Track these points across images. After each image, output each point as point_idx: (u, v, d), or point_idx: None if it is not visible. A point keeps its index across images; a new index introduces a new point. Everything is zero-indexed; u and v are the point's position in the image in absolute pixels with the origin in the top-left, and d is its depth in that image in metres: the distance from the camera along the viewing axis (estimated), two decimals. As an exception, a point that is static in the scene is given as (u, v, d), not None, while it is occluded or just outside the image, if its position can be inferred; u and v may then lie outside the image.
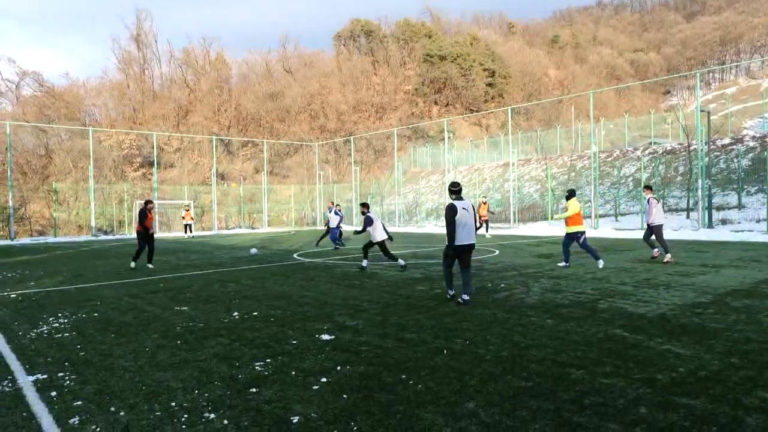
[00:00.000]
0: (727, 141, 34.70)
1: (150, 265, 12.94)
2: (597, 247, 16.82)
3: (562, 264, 11.46)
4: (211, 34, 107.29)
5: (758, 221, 22.50)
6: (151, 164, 40.46)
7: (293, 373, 4.47)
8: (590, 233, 23.72)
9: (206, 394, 4.00)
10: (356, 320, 6.47)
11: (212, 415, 3.59)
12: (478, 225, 16.63)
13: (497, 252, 15.56)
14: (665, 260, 11.86)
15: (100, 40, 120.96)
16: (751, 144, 32.51)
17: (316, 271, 11.66)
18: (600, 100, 76.56)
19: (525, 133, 52.11)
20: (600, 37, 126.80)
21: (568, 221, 11.31)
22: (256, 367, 4.64)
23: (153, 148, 38.58)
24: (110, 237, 30.95)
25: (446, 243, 7.48)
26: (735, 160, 30.61)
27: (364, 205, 12.49)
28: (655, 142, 40.44)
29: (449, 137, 46.73)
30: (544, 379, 4.15)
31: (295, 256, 15.76)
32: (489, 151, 50.50)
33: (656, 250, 12.52)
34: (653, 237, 12.48)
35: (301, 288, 9.22)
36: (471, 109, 70.44)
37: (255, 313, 7.03)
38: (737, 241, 17.73)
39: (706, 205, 21.93)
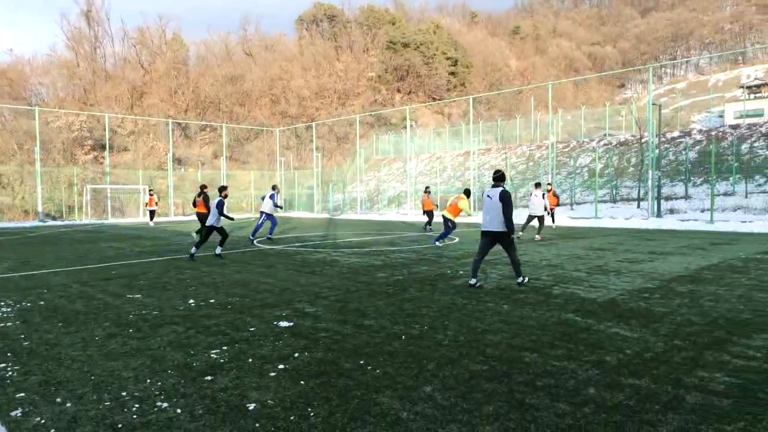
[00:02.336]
0: (676, 134, 36.10)
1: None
2: (555, 234, 17.28)
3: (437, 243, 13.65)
4: (168, 13, 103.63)
5: (703, 211, 23.56)
6: (103, 147, 38.98)
7: (250, 360, 4.42)
8: (547, 221, 24.30)
9: (159, 383, 3.90)
10: (316, 307, 6.45)
11: (165, 404, 3.51)
12: (541, 213, 15.18)
13: (457, 240, 15.76)
14: (538, 238, 14.88)
15: (48, 14, 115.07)
16: (698, 137, 33.93)
17: (276, 258, 11.53)
18: (559, 92, 78.19)
19: (486, 123, 52.77)
20: (560, 30, 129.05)
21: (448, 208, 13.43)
22: (212, 355, 4.56)
23: (105, 130, 37.14)
24: (59, 222, 29.72)
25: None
26: (683, 152, 31.90)
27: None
28: (609, 134, 41.70)
29: (412, 125, 46.87)
30: (500, 363, 4.25)
31: (255, 243, 15.54)
32: (451, 140, 50.90)
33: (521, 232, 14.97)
34: (532, 223, 15.51)
35: (261, 275, 9.11)
36: (433, 98, 70.74)
37: (212, 301, 6.91)
38: (684, 230, 18.52)
39: (656, 195, 22.78)
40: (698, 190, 28.40)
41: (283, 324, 5.60)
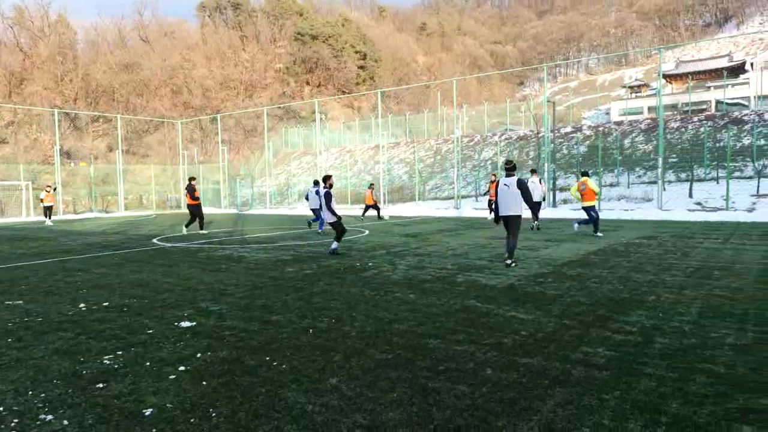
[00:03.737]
0: (569, 129, 38.79)
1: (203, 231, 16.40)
2: (461, 225, 17.96)
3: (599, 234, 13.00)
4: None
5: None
6: (-23, 139, 34.94)
7: (148, 363, 4.20)
8: (453, 213, 25.24)
9: (43, 395, 3.60)
10: (220, 305, 6.24)
11: (49, 417, 3.25)
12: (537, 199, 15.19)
13: (367, 232, 15.92)
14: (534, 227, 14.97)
15: None
16: (588, 132, 36.72)
17: (179, 256, 11.01)
18: (464, 88, 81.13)
19: (395, 117, 53.62)
20: (464, 28, 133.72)
21: (583, 197, 13.06)
22: (105, 361, 4.28)
23: (-22, 120, 33.32)
24: (-77, 224, 26.31)
25: None
26: (575, 146, 34.37)
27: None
28: (510, 129, 43.99)
29: (321, 118, 46.54)
30: (405, 350, 4.36)
31: (155, 241, 14.73)
32: (361, 133, 51.20)
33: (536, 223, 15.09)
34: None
35: (161, 274, 8.65)
36: (343, 91, 70.71)
37: (106, 304, 6.47)
38: (575, 218, 19.99)
39: (551, 186, 24.38)
40: (591, 180, 30.75)
41: (185, 324, 5.37)
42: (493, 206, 9.20)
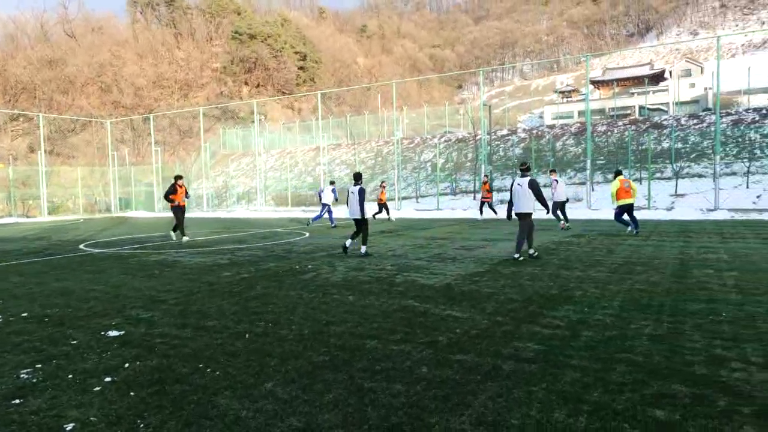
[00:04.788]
0: (505, 132, 40.04)
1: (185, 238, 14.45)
2: (401, 226, 18.16)
3: (629, 229, 12.95)
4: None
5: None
6: None
7: (70, 376, 3.98)
8: (393, 214, 25.47)
9: (-50, 414, 3.34)
10: (152, 312, 6.01)
11: (-43, 437, 3.02)
12: (562, 198, 15.26)
13: (307, 234, 15.79)
14: (565, 227, 14.81)
15: None
16: (523, 135, 38.05)
17: (108, 262, 10.50)
18: (404, 90, 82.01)
19: (336, 118, 53.50)
20: (404, 31, 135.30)
21: (617, 196, 12.80)
22: (22, 375, 4.02)
23: None
24: None
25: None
26: (511, 148, 35.55)
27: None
28: (449, 131, 44.89)
29: (260, 119, 45.73)
30: (342, 352, 4.37)
31: (82, 246, 13.97)
32: (302, 135, 50.70)
33: (562, 222, 14.96)
34: (558, 211, 15.10)
35: (88, 281, 8.22)
36: (283, 92, 69.79)
37: (25, 314, 6.07)
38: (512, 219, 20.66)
39: (490, 187, 25.07)
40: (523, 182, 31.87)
41: (112, 333, 5.14)
42: (507, 204, 9.81)
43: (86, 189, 39.24)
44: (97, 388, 3.71)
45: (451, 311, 5.67)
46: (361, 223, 10.40)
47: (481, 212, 20.68)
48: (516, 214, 9.44)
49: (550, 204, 11.14)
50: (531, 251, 9.50)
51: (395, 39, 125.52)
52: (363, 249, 10.37)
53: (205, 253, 11.63)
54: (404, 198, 31.72)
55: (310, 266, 9.22)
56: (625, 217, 13.09)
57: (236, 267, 9.38)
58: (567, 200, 15.93)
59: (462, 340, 4.62)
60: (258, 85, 71.16)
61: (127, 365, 4.19)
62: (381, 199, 21.47)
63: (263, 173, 37.15)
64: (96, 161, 45.09)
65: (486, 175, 21.91)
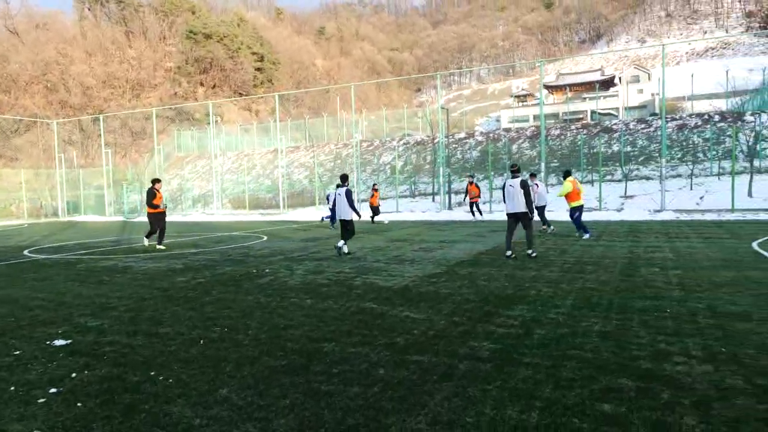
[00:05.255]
0: (462, 135, 40.66)
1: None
2: (360, 228, 18.15)
3: (586, 236, 12.35)
4: None
5: (485, 203, 26.99)
6: None
7: (12, 388, 3.80)
8: (353, 216, 25.45)
9: None
10: (101, 320, 5.80)
11: None
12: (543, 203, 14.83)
13: (265, 238, 15.59)
14: (550, 231, 14.27)
15: None
16: (480, 138, 38.74)
17: (54, 269, 10.07)
18: (363, 93, 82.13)
19: (294, 121, 53.04)
20: (362, 33, 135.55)
21: (567, 198, 12.40)
22: (-41, 389, 3.80)
23: None
24: None
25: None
26: (468, 151, 36.13)
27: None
28: (408, 134, 45.23)
29: (217, 121, 44.87)
30: (299, 356, 4.34)
31: (26, 252, 13.35)
32: (259, 137, 50.02)
33: (544, 226, 14.56)
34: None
35: (32, 289, 7.86)
36: (240, 93, 68.67)
37: (-38, 325, 5.75)
38: (468, 220, 21.01)
39: (447, 190, 25.41)
40: (480, 184, 32.46)
41: (59, 342, 4.93)
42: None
43: (31, 192, 37.52)
44: (42, 400, 3.56)
45: (408, 312, 5.71)
46: (348, 224, 10.67)
47: (473, 213, 20.81)
48: (508, 215, 9.70)
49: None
50: (530, 251, 9.62)
51: (354, 41, 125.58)
52: (344, 247, 10.65)
53: (158, 258, 11.31)
54: (363, 201, 31.74)
55: (267, 270, 9.10)
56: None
57: (191, 272, 9.16)
58: (545, 204, 15.62)
59: (419, 341, 4.67)
60: (214, 86, 69.75)
61: (74, 375, 4.03)
62: (372, 202, 20.92)
63: (220, 176, 36.45)
64: (42, 163, 43.16)
65: (471, 176, 21.90)
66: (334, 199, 11.44)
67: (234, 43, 71.92)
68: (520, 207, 9.44)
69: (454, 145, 37.67)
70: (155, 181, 13.58)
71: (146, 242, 13.69)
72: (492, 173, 28.68)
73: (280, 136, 34.88)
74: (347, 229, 10.72)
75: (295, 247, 12.87)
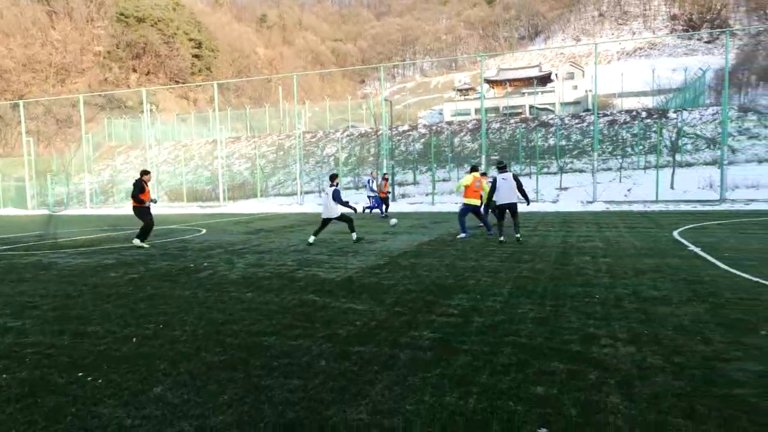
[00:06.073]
0: (406, 127, 40.96)
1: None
2: (304, 220, 17.96)
3: (461, 236, 11.46)
4: None
5: (427, 195, 27.36)
6: None
7: None
8: (296, 208, 25.15)
9: None
10: (21, 320, 5.45)
11: None
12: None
13: (204, 231, 15.14)
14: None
15: None
16: (423, 131, 39.16)
17: (-30, 266, 9.35)
18: (306, 83, 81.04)
19: (235, 111, 51.62)
20: (305, 23, 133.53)
21: (465, 193, 11.69)
22: None
23: None
24: None
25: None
26: (412, 143, 36.46)
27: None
28: (352, 126, 45.08)
29: (151, 109, 43.00)
30: (238, 350, 4.25)
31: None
32: (198, 127, 48.38)
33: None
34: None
35: (-56, 288, 7.27)
36: (176, 81, 66.03)
37: None
38: (413, 212, 21.25)
39: (391, 182, 25.54)
40: (424, 176, 32.88)
41: (-26, 345, 4.59)
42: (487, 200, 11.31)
43: (-57, 184, 34.66)
44: (-46, 407, 3.30)
45: (351, 304, 5.72)
46: (340, 219, 11.05)
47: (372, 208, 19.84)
48: (501, 206, 10.48)
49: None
50: (518, 235, 10.50)
51: (296, 31, 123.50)
52: (354, 236, 11.16)
53: (87, 254, 10.75)
54: (307, 192, 31.42)
55: (206, 264, 8.85)
56: (496, 217, 12.09)
57: (124, 267, 8.76)
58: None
59: (361, 332, 4.68)
60: (148, 73, 66.70)
61: (-9, 379, 3.77)
62: (383, 192, 19.30)
63: (155, 167, 34.99)
64: (-45, 152, 39.88)
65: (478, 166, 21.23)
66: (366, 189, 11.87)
67: (169, 28, 69.00)
68: (513, 198, 10.39)
69: (397, 138, 37.88)
70: (144, 172, 11.81)
71: (137, 242, 11.58)
72: (435, 165, 29.08)
73: (219, 126, 33.85)
74: (345, 220, 11.12)
75: (235, 240, 12.58)
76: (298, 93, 29.40)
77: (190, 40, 71.67)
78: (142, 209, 11.56)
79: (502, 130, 37.12)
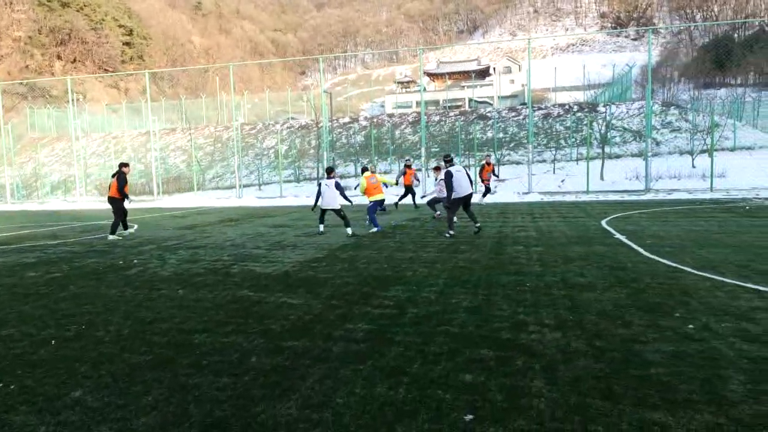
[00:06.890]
0: (347, 119, 40.78)
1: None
2: (242, 214, 17.56)
3: (375, 230, 11.51)
4: None
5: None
6: None
7: None
8: (234, 202, 24.56)
9: None
10: (-74, 325, 5.03)
11: None
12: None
13: (136, 227, 14.50)
14: (436, 216, 14.00)
15: None
16: (364, 123, 39.12)
17: None
18: (245, 74, 79.00)
19: (170, 101, 49.66)
20: (243, 12, 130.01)
21: (366, 193, 12.03)
22: None
23: None
24: None
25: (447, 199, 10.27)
26: (353, 136, 36.35)
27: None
28: (292, 118, 44.41)
29: (78, 99, 40.69)
30: (166, 349, 4.10)
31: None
32: (129, 118, 46.18)
33: (438, 212, 14.02)
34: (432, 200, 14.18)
35: None
36: (105, 69, 62.68)
37: None
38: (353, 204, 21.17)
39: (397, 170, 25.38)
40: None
41: None
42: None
43: None
44: None
45: (286, 299, 5.65)
46: (339, 212, 10.99)
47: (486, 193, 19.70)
48: (457, 199, 10.24)
49: (431, 196, 13.44)
50: (478, 224, 10.66)
51: (234, 19, 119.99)
52: (349, 231, 10.88)
53: (6, 252, 10.05)
54: (246, 185, 30.73)
55: (136, 261, 8.48)
56: (446, 210, 13.18)
57: (45, 266, 8.26)
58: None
59: (296, 326, 4.63)
60: (74, 60, 62.92)
61: None
62: (407, 181, 18.03)
63: (83, 159, 33.16)
64: None
65: (488, 155, 20.58)
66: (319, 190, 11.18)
67: (97, 14, 65.31)
68: (468, 189, 10.39)
69: (339, 130, 37.66)
70: (124, 165, 11.98)
71: (119, 235, 11.82)
72: (376, 158, 29.14)
73: (152, 117, 32.41)
74: (342, 215, 11.04)
75: (169, 235, 12.13)
76: (236, 84, 28.63)
77: (120, 26, 68.15)
78: (118, 201, 11.82)
79: (442, 123, 37.67)
